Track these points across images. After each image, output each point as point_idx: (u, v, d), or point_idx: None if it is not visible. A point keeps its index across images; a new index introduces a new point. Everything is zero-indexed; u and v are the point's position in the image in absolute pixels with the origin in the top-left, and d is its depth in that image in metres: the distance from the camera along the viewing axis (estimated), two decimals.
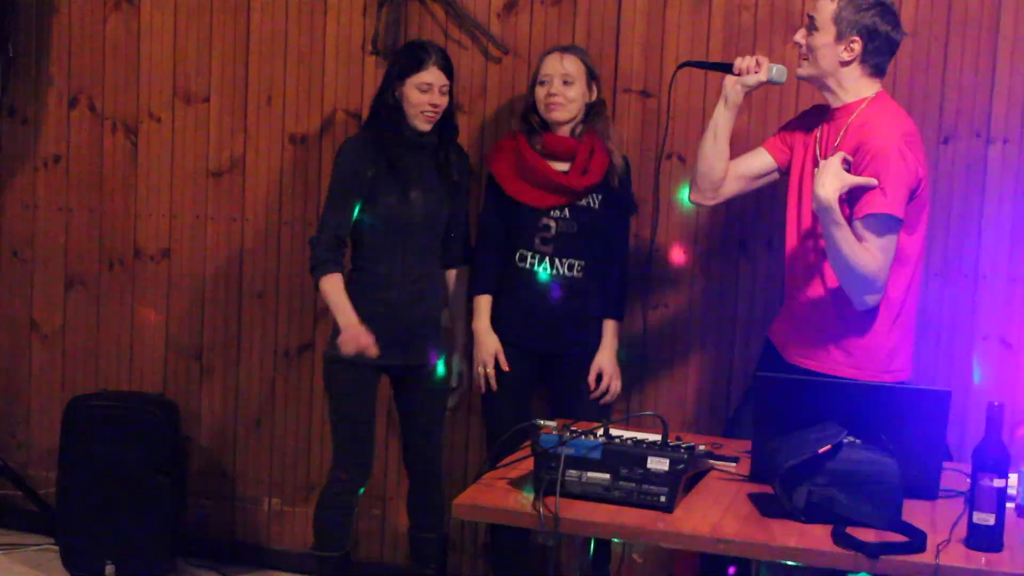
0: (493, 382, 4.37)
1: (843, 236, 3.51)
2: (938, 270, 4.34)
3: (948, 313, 4.36)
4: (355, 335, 4.15)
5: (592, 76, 4.30)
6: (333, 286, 4.19)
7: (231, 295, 5.07)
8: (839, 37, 3.69)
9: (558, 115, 4.25)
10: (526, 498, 3.14)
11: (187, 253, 5.11)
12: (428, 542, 4.54)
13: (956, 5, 4.29)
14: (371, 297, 4.24)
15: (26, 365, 5.34)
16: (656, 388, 4.61)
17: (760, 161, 3.97)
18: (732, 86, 3.84)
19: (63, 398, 5.05)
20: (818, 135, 3.81)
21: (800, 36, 3.79)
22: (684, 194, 4.28)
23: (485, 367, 4.37)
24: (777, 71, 3.81)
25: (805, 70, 3.79)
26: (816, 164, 3.75)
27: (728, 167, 3.93)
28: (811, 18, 3.74)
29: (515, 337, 4.38)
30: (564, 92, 4.24)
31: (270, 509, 5.09)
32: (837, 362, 3.75)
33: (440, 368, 4.44)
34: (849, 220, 3.55)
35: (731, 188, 3.97)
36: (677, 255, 4.59)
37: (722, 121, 3.87)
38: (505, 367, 4.36)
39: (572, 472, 3.13)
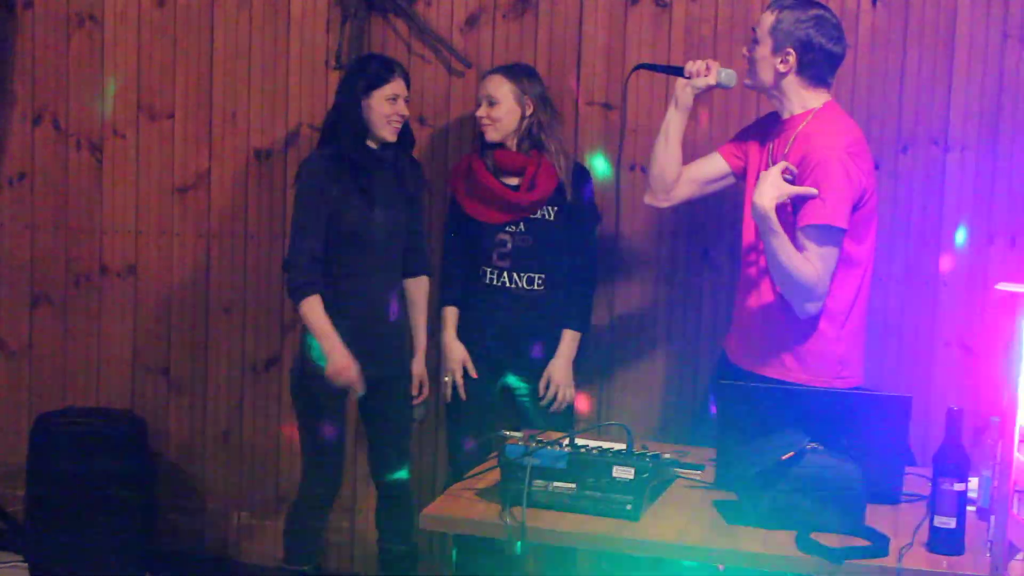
0: (461, 391, 4.38)
1: (780, 244, 3.54)
2: (899, 276, 4.37)
3: (909, 319, 4.39)
4: (343, 369, 4.15)
5: (522, 92, 4.31)
6: (314, 310, 4.16)
7: (198, 310, 5.06)
8: (775, 49, 3.71)
9: (489, 135, 4.31)
10: (493, 508, 3.14)
11: (154, 269, 5.10)
12: (397, 553, 4.53)
13: (913, 18, 4.33)
14: (337, 312, 4.22)
15: None
16: (623, 396, 4.62)
17: (713, 166, 3.99)
18: (682, 89, 3.86)
19: (30, 416, 5.04)
20: (771, 146, 3.83)
21: (745, 49, 3.83)
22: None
23: (454, 375, 4.38)
24: (726, 75, 3.83)
25: (748, 80, 3.83)
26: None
27: (681, 170, 3.94)
28: (753, 30, 3.78)
29: (480, 349, 4.41)
30: (489, 113, 4.29)
31: (239, 522, 5.08)
32: (789, 368, 3.77)
33: (405, 379, 4.44)
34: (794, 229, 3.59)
35: (684, 191, 3.97)
36: (641, 264, 4.60)
37: (673, 124, 3.89)
38: (473, 374, 4.38)
39: (539, 482, 3.12)
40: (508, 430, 3.75)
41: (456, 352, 4.41)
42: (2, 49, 5.17)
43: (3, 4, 5.14)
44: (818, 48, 3.70)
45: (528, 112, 4.30)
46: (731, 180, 3.98)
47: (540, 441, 3.23)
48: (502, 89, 4.28)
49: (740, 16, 4.45)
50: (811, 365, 3.75)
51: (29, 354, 5.26)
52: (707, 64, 3.83)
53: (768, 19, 3.72)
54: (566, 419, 4.37)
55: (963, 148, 4.32)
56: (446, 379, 4.41)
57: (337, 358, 4.15)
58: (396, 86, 4.23)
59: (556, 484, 3.13)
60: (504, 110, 4.28)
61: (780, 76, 3.73)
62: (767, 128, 3.90)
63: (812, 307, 3.65)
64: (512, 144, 4.32)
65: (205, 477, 5.11)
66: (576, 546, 3.36)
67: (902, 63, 4.35)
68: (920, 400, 4.27)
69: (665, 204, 4.00)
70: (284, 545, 4.39)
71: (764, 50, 3.72)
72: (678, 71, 3.88)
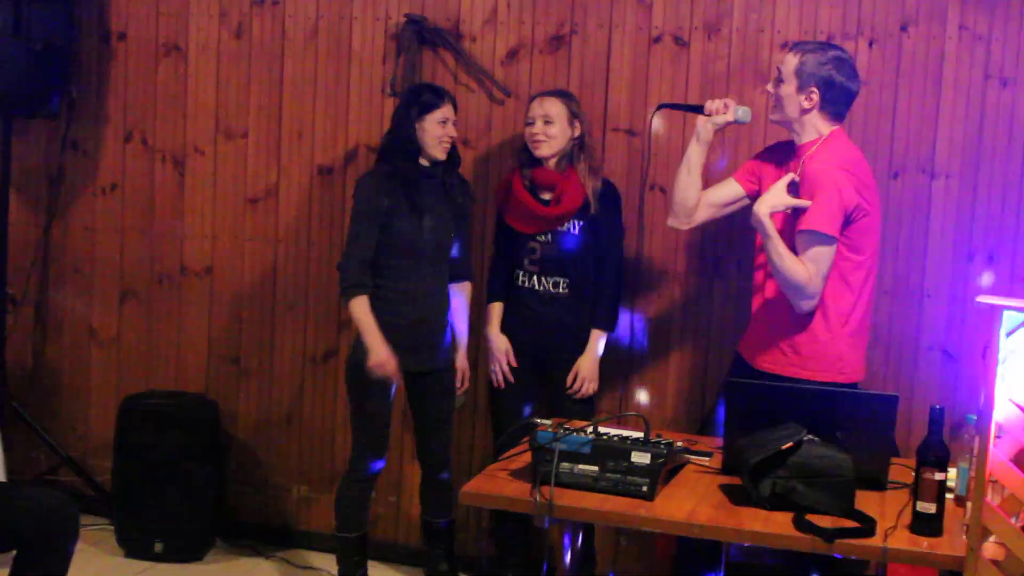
0: (509, 376, 4.43)
1: (774, 247, 3.62)
2: (888, 289, 4.36)
3: (897, 327, 4.38)
4: (382, 362, 4.18)
5: (573, 115, 4.33)
6: (361, 308, 4.21)
7: (265, 307, 5.08)
8: (800, 88, 3.74)
9: (541, 151, 4.31)
10: (524, 487, 3.16)
11: (227, 270, 5.12)
12: (438, 526, 4.55)
13: (904, 56, 4.32)
14: (389, 312, 4.25)
15: (85, 368, 5.34)
16: (639, 390, 4.62)
17: (729, 191, 4.01)
18: (703, 125, 3.87)
19: (117, 397, 5.07)
20: (786, 169, 3.85)
21: (770, 86, 3.84)
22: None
23: (499, 364, 4.42)
24: (742, 112, 3.85)
25: (775, 115, 3.85)
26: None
27: (700, 196, 3.96)
28: (779, 70, 3.79)
29: (516, 343, 4.45)
30: (545, 131, 4.29)
31: (299, 496, 5.10)
32: (793, 364, 3.79)
33: (449, 371, 4.46)
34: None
35: (703, 215, 4.00)
36: (659, 274, 4.61)
37: (695, 156, 3.90)
38: (514, 363, 4.43)
39: (565, 465, 3.15)
40: (540, 416, 3.80)
41: (500, 344, 4.45)
42: (99, 75, 5.22)
43: (100, 36, 5.19)
44: (838, 86, 3.74)
45: (576, 134, 4.32)
46: (746, 202, 3.98)
47: (567, 428, 3.26)
48: (558, 109, 4.29)
49: (751, 54, 4.45)
50: (811, 362, 3.77)
51: (118, 343, 5.30)
52: (724, 103, 3.85)
53: (792, 61, 3.74)
54: (587, 409, 4.39)
55: (947, 176, 4.31)
56: (493, 368, 4.45)
57: (379, 352, 4.18)
58: (446, 111, 4.28)
59: (580, 467, 3.16)
60: (558, 129, 4.29)
61: (804, 112, 3.75)
62: (781, 153, 3.93)
63: (807, 304, 3.68)
64: (552, 162, 4.33)
65: (269, 454, 5.13)
66: (597, 522, 3.36)
67: (894, 100, 4.34)
68: (905, 399, 4.28)
69: (686, 227, 4.03)
70: (336, 514, 4.42)
71: (790, 88, 3.75)
72: (699, 109, 3.90)
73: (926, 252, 4.35)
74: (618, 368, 4.55)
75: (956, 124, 4.28)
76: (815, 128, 3.77)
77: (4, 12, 4.80)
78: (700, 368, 4.59)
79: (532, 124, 4.31)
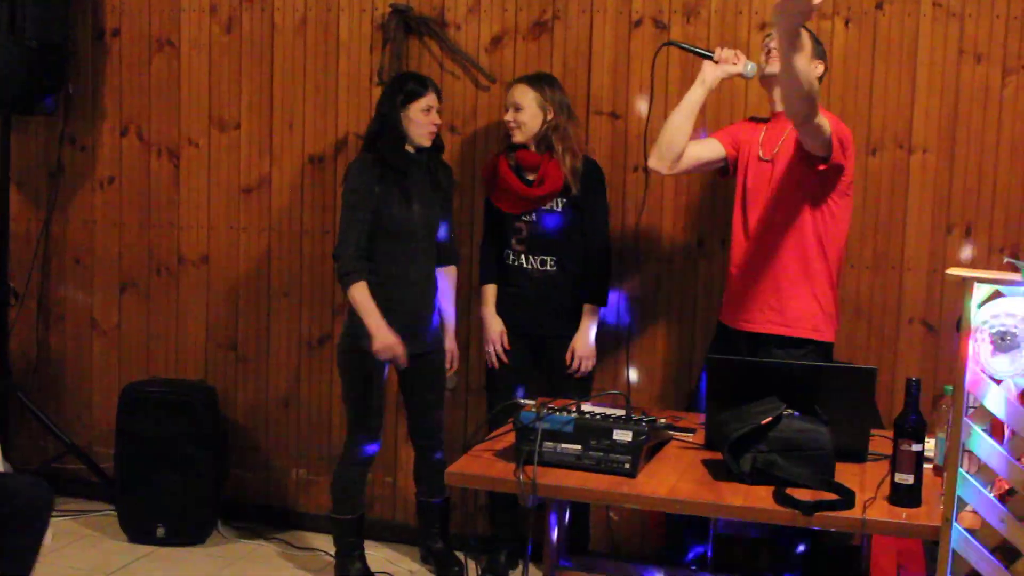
0: (503, 357, 4.34)
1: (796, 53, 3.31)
2: (869, 263, 4.28)
3: (878, 300, 4.30)
4: (389, 345, 4.12)
5: (545, 100, 4.24)
6: (361, 293, 4.14)
7: (261, 294, 5.01)
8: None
9: (516, 137, 4.26)
10: (509, 467, 3.09)
11: (223, 259, 5.05)
12: (432, 505, 4.50)
13: (880, 36, 4.23)
14: (381, 296, 4.18)
15: (88, 357, 5.29)
16: (630, 366, 4.54)
17: (712, 149, 3.92)
18: (711, 70, 3.78)
19: (119, 384, 5.00)
20: (761, 136, 3.78)
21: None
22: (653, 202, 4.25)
23: (494, 346, 4.34)
24: (751, 67, 3.78)
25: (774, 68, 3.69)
26: (758, 159, 3.78)
27: (687, 144, 3.83)
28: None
29: (510, 322, 4.38)
30: (516, 117, 4.24)
31: (297, 478, 5.03)
32: (771, 322, 3.76)
33: (439, 353, 4.39)
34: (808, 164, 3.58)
35: (686, 164, 3.86)
36: (645, 253, 4.53)
37: (695, 99, 3.79)
38: (507, 346, 4.34)
39: (548, 444, 3.08)
40: (537, 394, 3.72)
41: (495, 326, 4.37)
42: (95, 71, 5.14)
43: (95, 33, 5.12)
44: (825, 61, 3.79)
45: (549, 117, 4.24)
46: (721, 165, 3.92)
47: (551, 408, 3.18)
48: (527, 97, 4.22)
49: (730, 34, 4.35)
50: (790, 319, 3.74)
51: (119, 332, 5.24)
52: (736, 53, 3.78)
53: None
54: (584, 385, 4.32)
55: (924, 151, 4.22)
56: (488, 349, 4.36)
57: (384, 335, 4.11)
58: (430, 99, 4.21)
59: (563, 445, 3.08)
60: (528, 115, 4.22)
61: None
62: (751, 128, 3.89)
63: (812, 112, 3.44)
64: (533, 145, 4.25)
65: (268, 438, 5.06)
66: (580, 500, 3.29)
67: (871, 77, 4.25)
68: (887, 371, 4.23)
69: (668, 171, 3.87)
70: (332, 496, 4.36)
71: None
72: (708, 55, 3.80)
73: (905, 225, 4.26)
74: (608, 347, 4.47)
75: (932, 99, 4.20)
76: None
77: None
78: (688, 344, 4.51)
79: (506, 111, 4.26)
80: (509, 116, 4.25)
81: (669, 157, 3.83)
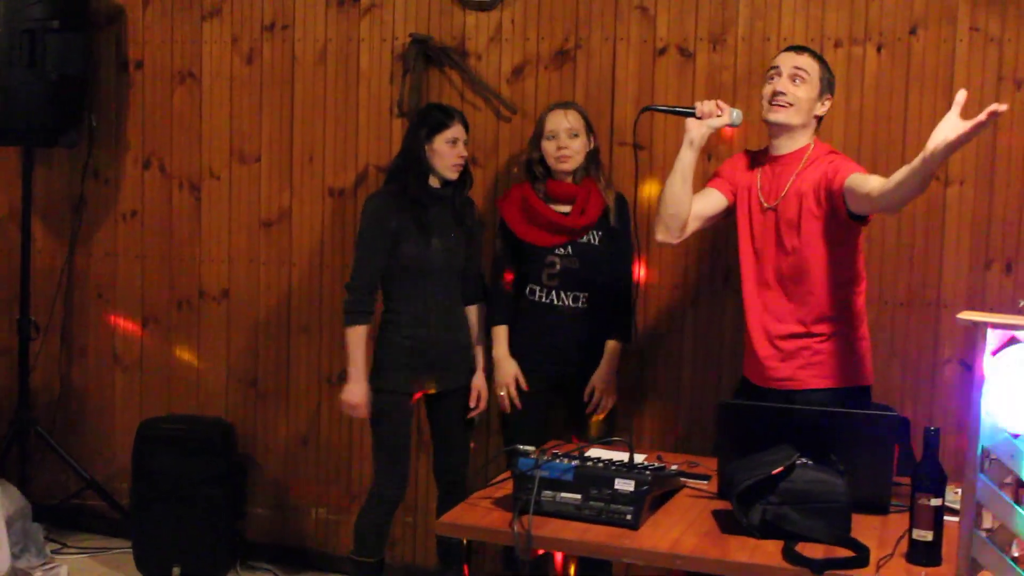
0: (517, 402, 4.18)
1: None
2: (903, 299, 4.10)
3: (913, 339, 4.11)
4: (355, 404, 4.12)
5: (590, 127, 4.12)
6: (355, 339, 4.08)
7: (281, 329, 4.94)
8: (821, 93, 3.52)
9: (567, 166, 4.08)
10: (506, 517, 2.94)
11: (243, 293, 4.98)
12: (454, 546, 4.35)
13: (914, 60, 4.06)
14: (404, 334, 4.11)
15: (110, 392, 5.23)
16: (651, 408, 4.39)
17: (714, 201, 3.67)
18: (697, 129, 3.53)
19: (140, 420, 4.93)
20: (759, 179, 3.59)
21: (783, 86, 3.52)
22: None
23: (508, 389, 4.18)
24: (736, 115, 3.55)
25: (779, 116, 3.51)
26: (760, 208, 3.55)
27: (690, 208, 3.63)
28: (803, 70, 3.51)
29: (531, 363, 4.20)
30: (571, 144, 4.07)
31: (317, 517, 4.93)
32: (813, 376, 3.52)
33: (464, 391, 4.27)
34: (838, 199, 3.39)
35: (693, 227, 3.65)
36: (669, 289, 4.37)
37: (687, 162, 3.54)
38: (525, 387, 4.17)
39: (547, 492, 2.93)
40: (558, 438, 3.57)
41: (508, 369, 4.19)
42: (118, 104, 5.12)
43: (118, 65, 5.09)
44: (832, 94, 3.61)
45: (591, 145, 4.11)
46: (726, 213, 3.70)
47: (554, 454, 3.04)
48: (580, 123, 4.08)
49: (757, 63, 4.20)
50: (831, 370, 3.51)
51: (140, 367, 5.18)
52: (717, 104, 3.54)
53: (814, 65, 3.50)
54: (608, 425, 4.17)
55: (962, 182, 4.03)
56: (501, 393, 4.21)
57: (355, 392, 4.10)
58: (456, 130, 4.12)
59: (563, 495, 2.93)
60: (581, 142, 4.08)
61: (816, 118, 3.55)
62: (745, 166, 3.68)
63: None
64: (568, 175, 4.11)
65: (287, 477, 4.97)
66: (577, 553, 3.13)
67: (905, 105, 4.07)
68: (924, 412, 4.06)
69: (677, 240, 3.65)
70: (354, 538, 4.23)
71: (813, 92, 3.51)
72: (689, 112, 3.56)
73: (942, 261, 4.07)
74: (628, 386, 4.31)
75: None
76: (807, 136, 3.53)
77: (20, 45, 4.72)
78: (712, 384, 4.34)
79: (554, 138, 4.07)
80: (564, 142, 4.06)
81: (676, 228, 3.60)
